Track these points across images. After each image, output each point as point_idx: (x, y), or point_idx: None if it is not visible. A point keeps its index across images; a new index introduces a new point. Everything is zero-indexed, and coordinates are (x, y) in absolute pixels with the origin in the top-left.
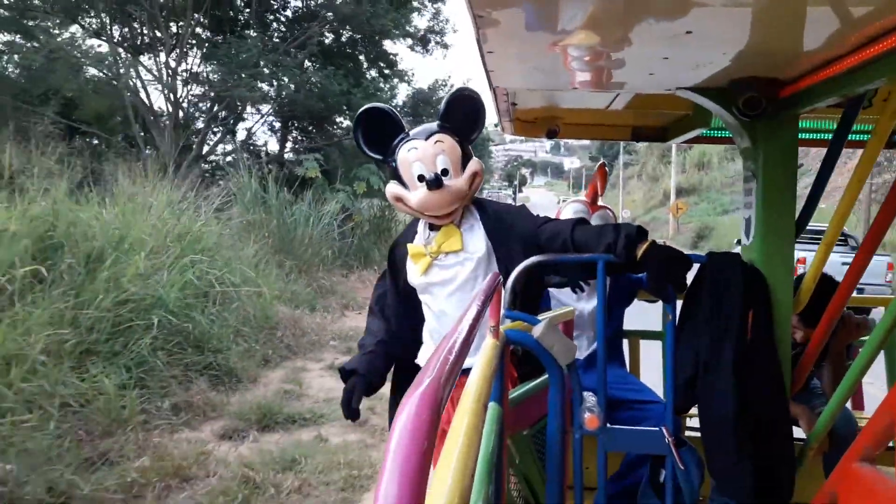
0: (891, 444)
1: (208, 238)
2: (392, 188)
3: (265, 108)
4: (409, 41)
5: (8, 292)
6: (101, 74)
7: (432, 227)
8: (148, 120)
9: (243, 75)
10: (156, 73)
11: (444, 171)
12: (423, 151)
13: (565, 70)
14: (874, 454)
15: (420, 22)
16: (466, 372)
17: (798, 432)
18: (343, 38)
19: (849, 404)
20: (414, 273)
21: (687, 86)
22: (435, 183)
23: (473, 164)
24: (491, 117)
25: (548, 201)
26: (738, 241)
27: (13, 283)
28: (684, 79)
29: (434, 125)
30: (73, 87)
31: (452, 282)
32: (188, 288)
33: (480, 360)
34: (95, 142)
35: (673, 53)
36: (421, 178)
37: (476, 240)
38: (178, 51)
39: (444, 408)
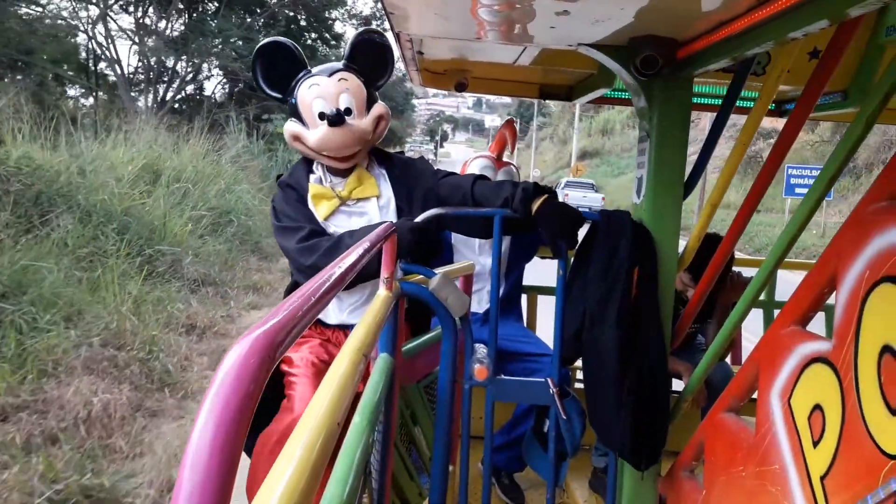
0: (754, 396)
1: (226, 176)
2: (290, 126)
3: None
4: (355, 22)
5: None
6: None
7: (333, 172)
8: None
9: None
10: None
11: (348, 111)
12: (325, 88)
13: (467, 17)
14: (739, 405)
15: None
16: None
17: (678, 386)
18: (301, 21)
19: (729, 360)
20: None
21: (588, 42)
22: (336, 118)
23: (379, 107)
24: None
25: (467, 157)
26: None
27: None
28: (585, 35)
29: (338, 64)
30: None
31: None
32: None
33: (370, 311)
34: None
35: (573, 7)
36: (322, 115)
37: (385, 188)
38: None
39: (282, 356)
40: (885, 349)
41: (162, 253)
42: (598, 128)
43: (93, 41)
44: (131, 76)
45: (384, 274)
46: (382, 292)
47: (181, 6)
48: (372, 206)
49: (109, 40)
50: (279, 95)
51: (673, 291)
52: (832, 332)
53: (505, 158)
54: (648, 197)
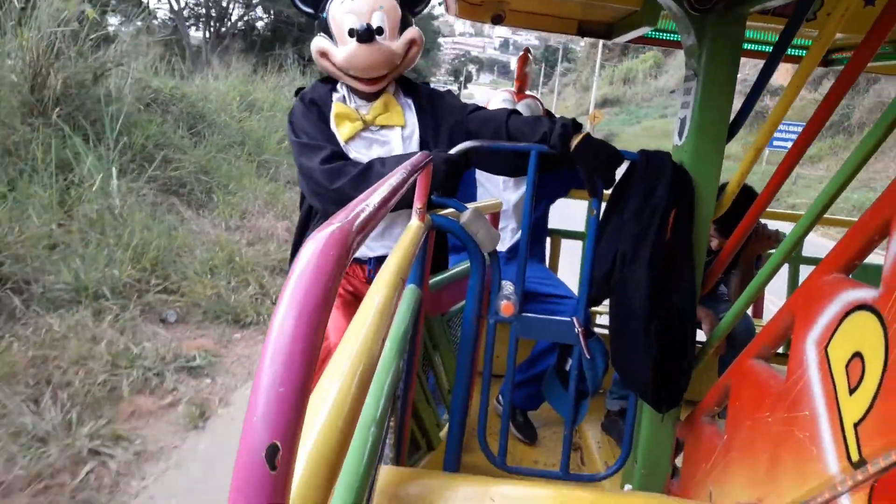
0: (782, 351)
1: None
2: (318, 42)
3: None
4: None
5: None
6: None
7: (358, 95)
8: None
9: None
10: None
11: (380, 30)
12: (358, 4)
13: None
14: (769, 353)
15: None
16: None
17: (699, 335)
18: None
19: (750, 312)
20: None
21: None
22: (367, 34)
23: (412, 31)
24: None
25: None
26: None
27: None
28: None
29: None
30: None
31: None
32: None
33: (403, 239)
34: None
35: None
36: (352, 32)
37: (410, 118)
38: None
39: (353, 252)
40: None
41: (266, 161)
42: (620, 76)
43: None
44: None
45: (417, 204)
46: (415, 222)
47: None
48: (395, 136)
49: None
50: (312, 11)
51: (707, 237)
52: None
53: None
54: (691, 139)
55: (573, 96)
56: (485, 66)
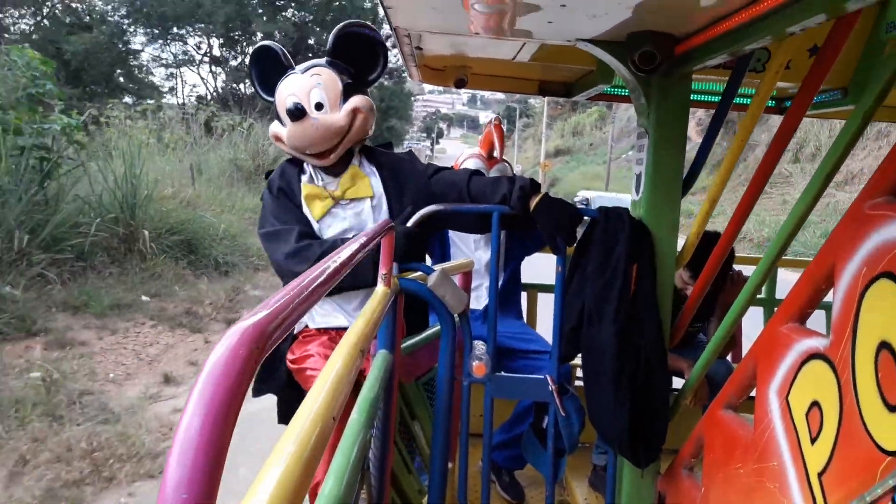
0: (753, 394)
1: None
2: (272, 127)
3: None
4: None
5: None
6: None
7: (324, 170)
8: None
9: None
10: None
11: (319, 106)
12: (297, 84)
13: (463, 11)
14: (738, 402)
15: None
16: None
17: (680, 384)
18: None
19: (730, 358)
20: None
21: (586, 37)
22: (295, 111)
23: (356, 99)
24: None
25: (462, 153)
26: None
27: None
28: (583, 30)
29: (321, 60)
30: None
31: (351, 231)
32: None
33: (368, 307)
34: None
35: (570, 1)
36: (288, 112)
37: (378, 187)
38: None
39: (273, 345)
40: (883, 345)
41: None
42: (570, 129)
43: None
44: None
45: (382, 270)
46: (381, 288)
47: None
48: (366, 207)
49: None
50: (272, 99)
51: (672, 288)
52: (830, 328)
53: (496, 155)
54: (647, 193)
55: (532, 148)
56: (454, 121)
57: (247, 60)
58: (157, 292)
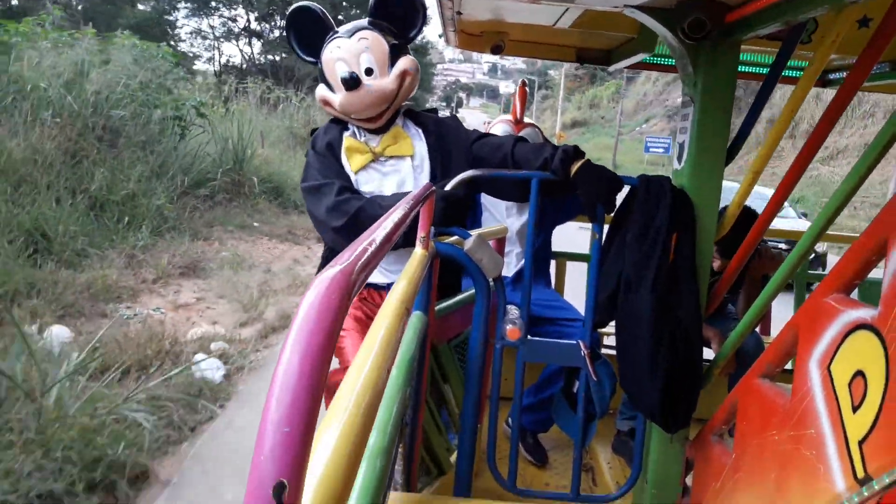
0: (790, 367)
1: None
2: (320, 91)
3: None
4: None
5: None
6: None
7: (368, 130)
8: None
9: None
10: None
11: (369, 71)
12: (346, 50)
13: None
14: (775, 371)
15: None
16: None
17: (708, 353)
18: None
19: (759, 330)
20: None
21: (634, 3)
22: (352, 82)
23: (404, 61)
24: (435, 29)
25: (481, 122)
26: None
27: None
28: None
29: (364, 21)
30: None
31: (388, 188)
32: None
33: (408, 268)
34: None
35: None
36: (343, 81)
37: (420, 148)
38: None
39: (356, 296)
40: None
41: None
42: (587, 101)
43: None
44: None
45: (421, 233)
46: (419, 251)
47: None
48: (406, 165)
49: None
50: (313, 60)
51: (710, 260)
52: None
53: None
54: (690, 163)
55: (550, 119)
56: (474, 90)
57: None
58: (264, 221)
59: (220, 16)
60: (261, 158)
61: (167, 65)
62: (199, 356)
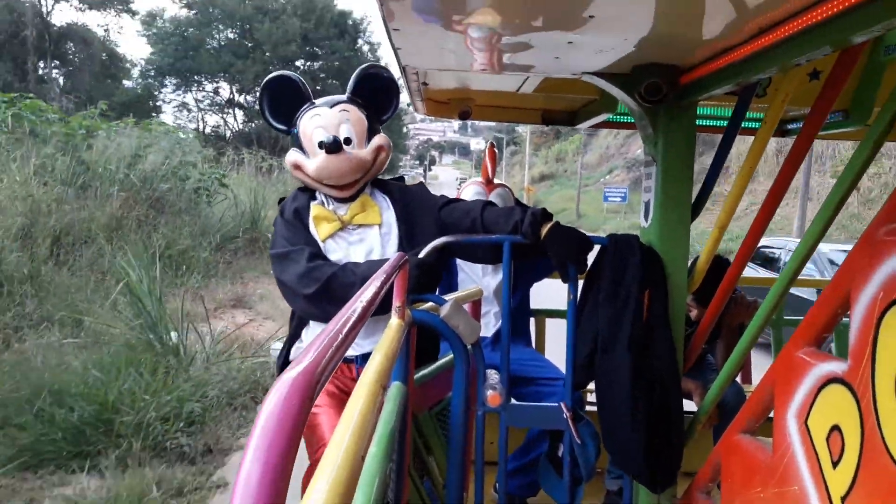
0: (770, 415)
1: None
2: (291, 155)
3: None
4: None
5: None
6: None
7: (335, 199)
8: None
9: None
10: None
11: (347, 140)
12: (326, 118)
13: (472, 51)
14: (755, 426)
15: None
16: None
17: (690, 405)
18: None
19: (739, 379)
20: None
21: (592, 71)
22: (334, 145)
23: (379, 138)
24: (404, 97)
25: (454, 178)
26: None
27: None
28: (589, 64)
29: (343, 96)
30: None
31: (355, 257)
32: None
33: (384, 340)
34: None
35: (577, 38)
36: (321, 144)
37: (387, 216)
38: None
39: (319, 393)
40: None
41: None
42: (554, 156)
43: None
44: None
45: (396, 303)
46: (395, 321)
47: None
48: (373, 234)
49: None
50: (284, 128)
51: (684, 313)
52: (846, 351)
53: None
54: (656, 220)
55: (519, 173)
56: (446, 148)
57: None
58: None
59: (203, 89)
60: (269, 220)
61: (194, 144)
62: (273, 344)
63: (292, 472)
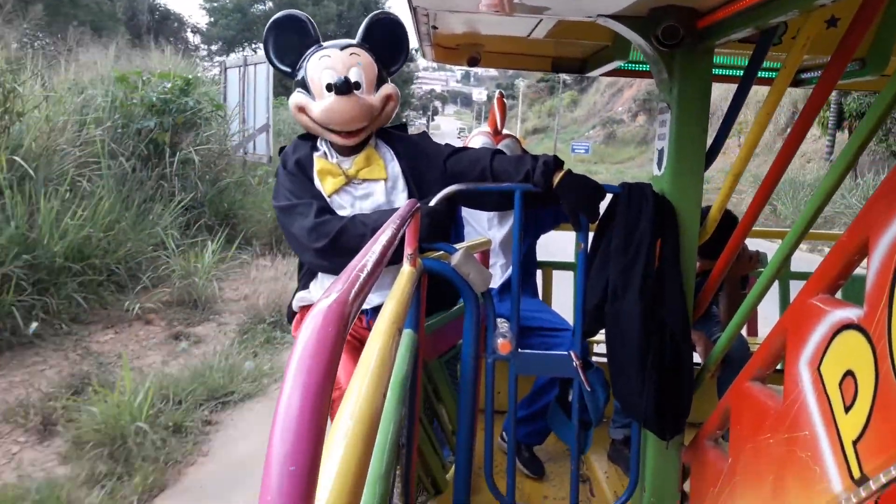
0: (779, 367)
1: None
2: (296, 97)
3: None
4: None
5: None
6: None
7: (339, 150)
8: None
9: None
10: None
11: (357, 84)
12: (335, 60)
13: None
14: (765, 374)
15: None
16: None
17: (695, 357)
18: None
19: (744, 331)
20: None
21: (608, 13)
22: (345, 86)
23: (388, 87)
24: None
25: (455, 128)
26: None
27: None
28: (606, 5)
29: (353, 40)
30: None
31: (363, 211)
32: None
33: (396, 287)
34: None
35: None
36: (329, 86)
37: (392, 169)
38: None
39: (352, 324)
40: None
41: None
42: (546, 110)
43: None
44: None
45: (408, 250)
46: (407, 268)
47: None
48: (379, 188)
49: None
50: (288, 69)
51: (695, 264)
52: (863, 299)
53: (502, 130)
54: (669, 169)
55: (513, 127)
56: (448, 98)
57: None
58: None
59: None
60: None
61: None
62: None
63: (329, 405)
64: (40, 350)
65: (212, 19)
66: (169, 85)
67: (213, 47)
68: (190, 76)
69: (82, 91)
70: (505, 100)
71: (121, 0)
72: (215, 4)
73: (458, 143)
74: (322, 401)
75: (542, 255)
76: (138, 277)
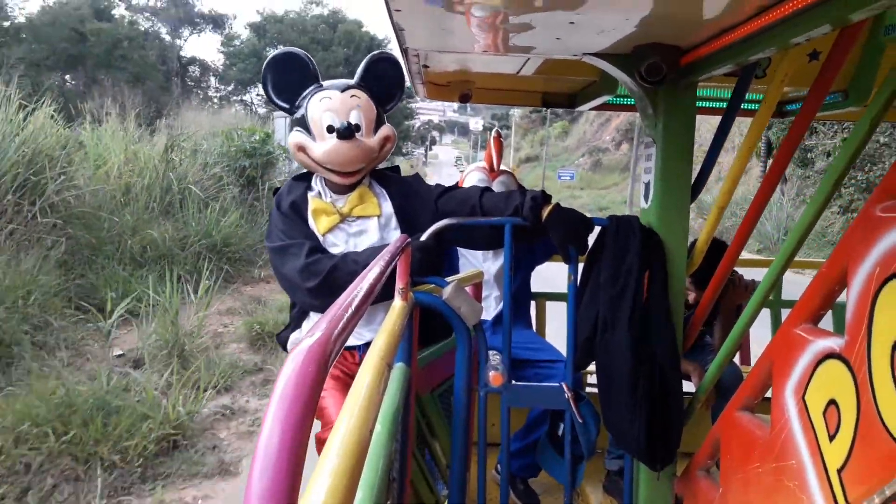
0: (768, 395)
1: None
2: (295, 136)
3: None
4: None
5: None
6: None
7: (333, 189)
8: None
9: None
10: None
11: (357, 127)
12: (336, 102)
13: (474, 32)
14: (753, 403)
15: None
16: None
17: (688, 387)
18: None
19: (737, 359)
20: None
21: (592, 51)
22: (347, 131)
23: (386, 128)
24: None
25: (453, 157)
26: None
27: None
28: (590, 44)
29: (352, 81)
30: None
31: (358, 248)
32: None
33: (388, 321)
34: None
35: (578, 18)
36: (331, 128)
37: (386, 207)
38: None
39: (335, 361)
40: None
41: None
42: (537, 140)
43: None
44: None
45: (399, 285)
46: (398, 303)
47: None
48: (372, 224)
49: None
50: (286, 105)
51: (683, 294)
52: (843, 328)
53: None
54: (656, 201)
55: (508, 156)
56: (445, 128)
57: None
58: None
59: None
60: None
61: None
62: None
63: (308, 442)
64: (223, 291)
65: (228, 62)
66: (257, 136)
67: (228, 88)
68: (268, 130)
69: (202, 143)
70: (502, 139)
71: (154, 49)
72: (232, 49)
73: (455, 171)
74: (301, 438)
75: (535, 281)
76: (256, 260)
